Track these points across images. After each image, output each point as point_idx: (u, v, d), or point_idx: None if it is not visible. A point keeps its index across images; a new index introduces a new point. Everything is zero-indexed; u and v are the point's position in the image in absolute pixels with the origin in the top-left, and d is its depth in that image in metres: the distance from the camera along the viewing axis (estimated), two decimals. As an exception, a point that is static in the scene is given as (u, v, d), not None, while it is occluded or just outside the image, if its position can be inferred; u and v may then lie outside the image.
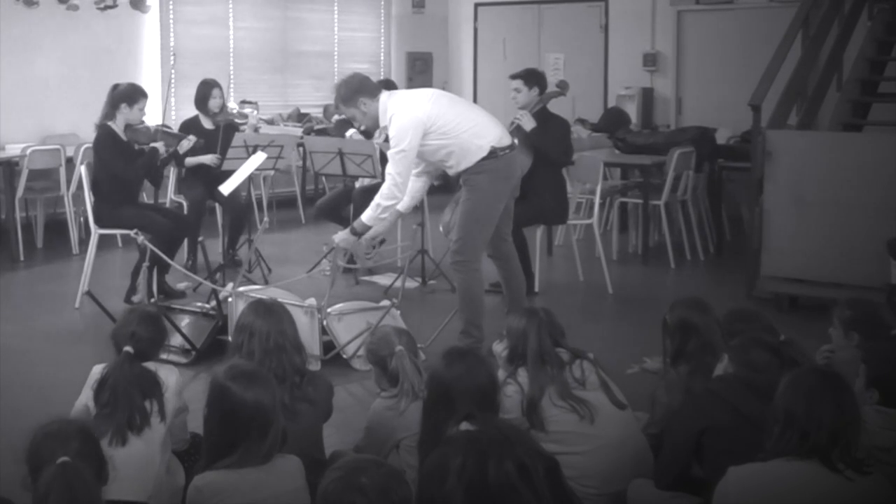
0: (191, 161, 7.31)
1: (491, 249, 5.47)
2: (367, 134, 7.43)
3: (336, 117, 10.57)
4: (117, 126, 6.42)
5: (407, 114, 5.07)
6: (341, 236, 5.33)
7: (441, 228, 6.46)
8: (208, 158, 7.24)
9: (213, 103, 7.45)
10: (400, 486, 2.22)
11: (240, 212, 7.41)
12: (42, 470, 2.43)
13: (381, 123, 5.19)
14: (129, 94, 6.46)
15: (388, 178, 5.11)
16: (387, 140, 5.50)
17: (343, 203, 7.55)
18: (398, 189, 5.09)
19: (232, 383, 2.86)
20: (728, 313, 3.85)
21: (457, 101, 5.43)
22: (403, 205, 5.31)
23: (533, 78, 6.79)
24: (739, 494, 2.58)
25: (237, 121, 7.59)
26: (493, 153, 5.16)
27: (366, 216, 5.17)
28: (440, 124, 5.09)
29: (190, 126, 7.41)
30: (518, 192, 5.49)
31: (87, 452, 2.56)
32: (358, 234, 5.25)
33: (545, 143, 6.58)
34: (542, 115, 6.70)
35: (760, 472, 2.58)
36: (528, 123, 6.59)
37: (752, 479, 2.58)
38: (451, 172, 5.37)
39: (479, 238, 5.24)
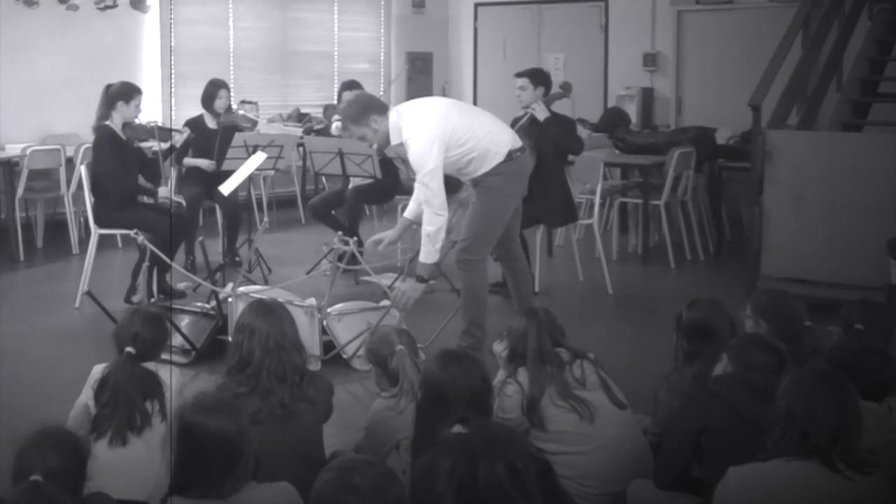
0: (188, 162, 7.31)
1: (499, 251, 5.46)
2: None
3: (336, 118, 10.57)
4: (115, 125, 6.42)
5: (422, 134, 4.98)
6: (408, 289, 5.10)
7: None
8: (204, 163, 7.22)
9: (219, 104, 7.46)
10: (394, 485, 2.21)
11: (236, 212, 7.41)
12: (19, 481, 2.44)
13: (393, 142, 5.10)
14: (125, 92, 6.46)
15: (424, 206, 5.00)
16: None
17: (335, 205, 7.55)
18: (438, 212, 4.96)
19: (192, 416, 2.67)
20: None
21: (466, 108, 5.42)
22: (411, 211, 5.30)
23: (539, 77, 6.84)
24: (740, 494, 2.58)
25: (242, 124, 7.57)
26: (509, 156, 5.16)
27: (424, 255, 5.02)
28: (458, 136, 5.03)
29: (193, 124, 7.41)
30: (525, 191, 5.49)
31: (64, 469, 2.53)
32: (426, 280, 5.10)
33: (558, 134, 6.64)
34: (550, 117, 6.75)
35: (761, 471, 2.58)
36: (542, 113, 6.66)
37: (752, 478, 2.58)
38: (466, 178, 5.34)
39: (489, 238, 5.23)
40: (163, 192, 6.65)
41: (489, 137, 5.13)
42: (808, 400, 2.57)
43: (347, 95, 7.63)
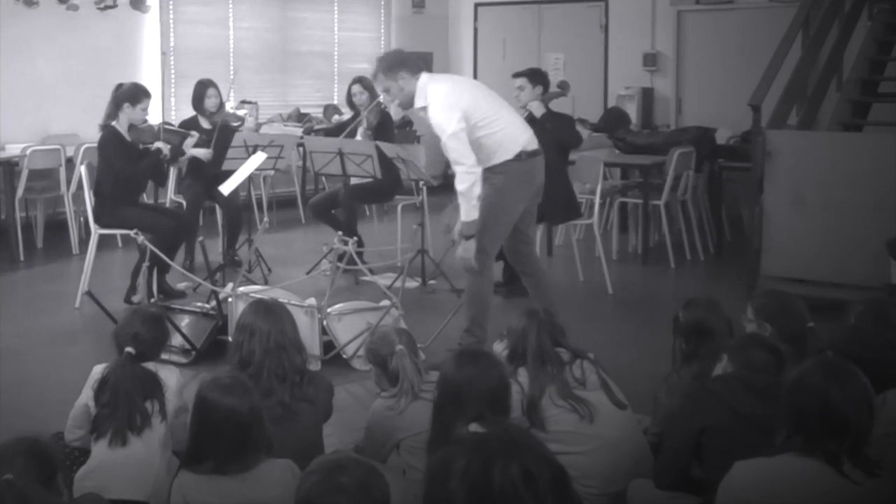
0: (189, 153, 7.25)
1: (513, 255, 5.41)
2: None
3: (336, 117, 10.57)
4: (121, 126, 6.42)
5: (445, 101, 5.03)
6: (463, 250, 5.06)
7: (442, 230, 6.46)
8: (201, 152, 7.16)
9: (209, 103, 7.44)
10: (380, 480, 2.22)
11: (236, 212, 7.41)
12: None
13: (417, 104, 5.14)
14: (132, 94, 6.45)
15: (455, 167, 4.99)
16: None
17: (336, 204, 7.56)
18: (469, 170, 4.96)
19: (209, 394, 2.85)
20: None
21: (492, 96, 5.37)
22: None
23: (537, 77, 6.87)
24: (744, 490, 2.55)
25: (232, 122, 7.55)
26: (519, 156, 5.15)
27: (464, 213, 5.00)
28: (477, 118, 5.04)
29: (189, 125, 7.40)
30: (541, 196, 5.43)
31: (32, 467, 2.55)
32: (472, 234, 5.07)
33: (557, 129, 6.67)
34: (547, 114, 6.76)
35: (766, 467, 2.56)
36: (539, 110, 6.73)
37: (756, 474, 2.56)
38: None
39: (493, 238, 5.20)
40: (164, 148, 6.57)
41: (505, 132, 5.13)
42: (817, 395, 2.53)
43: (357, 88, 7.68)
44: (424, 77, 5.14)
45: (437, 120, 5.00)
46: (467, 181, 4.95)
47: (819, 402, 2.53)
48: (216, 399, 2.82)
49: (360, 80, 7.83)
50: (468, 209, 4.99)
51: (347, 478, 2.18)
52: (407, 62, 5.19)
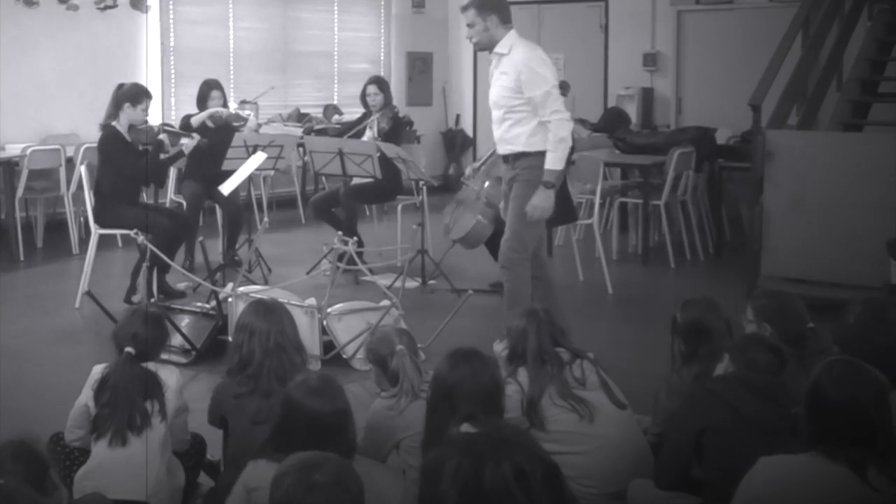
0: (196, 120, 7.30)
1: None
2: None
3: (336, 117, 10.57)
4: (121, 126, 6.42)
5: (544, 57, 5.26)
6: (541, 200, 5.09)
7: (442, 230, 6.46)
8: (221, 111, 7.20)
9: (212, 104, 7.44)
10: (352, 474, 2.23)
11: (236, 212, 7.41)
12: None
13: (498, 49, 5.28)
14: (133, 95, 6.45)
15: (554, 115, 5.05)
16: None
17: (337, 203, 7.56)
18: (569, 120, 5.13)
19: (295, 393, 2.87)
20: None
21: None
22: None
23: None
24: (765, 485, 2.54)
25: (234, 122, 7.55)
26: None
27: (553, 162, 5.07)
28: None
29: (188, 125, 7.39)
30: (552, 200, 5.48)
31: (20, 469, 2.55)
32: (554, 185, 5.13)
33: None
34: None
35: (790, 464, 2.54)
36: None
37: (780, 470, 2.54)
38: (507, 145, 5.26)
39: (530, 233, 5.21)
40: (165, 139, 6.58)
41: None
42: (835, 398, 2.51)
43: (372, 89, 7.67)
44: (514, 33, 5.32)
45: (540, 70, 5.15)
46: (568, 128, 5.09)
47: (839, 404, 2.51)
48: (300, 399, 2.82)
49: (376, 81, 7.84)
50: (559, 158, 5.09)
51: (321, 475, 2.18)
52: (503, 9, 5.34)
